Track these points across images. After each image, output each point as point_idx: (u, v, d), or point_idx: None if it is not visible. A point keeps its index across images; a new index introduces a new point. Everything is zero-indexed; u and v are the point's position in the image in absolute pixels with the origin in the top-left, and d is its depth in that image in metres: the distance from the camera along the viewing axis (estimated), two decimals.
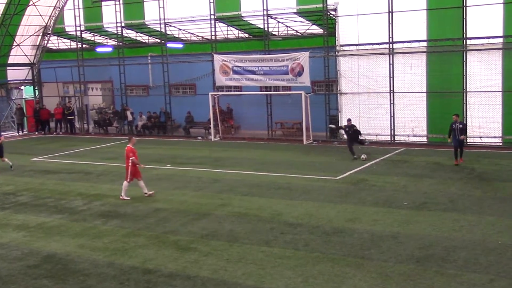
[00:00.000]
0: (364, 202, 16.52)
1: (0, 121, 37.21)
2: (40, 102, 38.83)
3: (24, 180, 21.95)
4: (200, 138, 31.68)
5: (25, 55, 37.72)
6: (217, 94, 31.60)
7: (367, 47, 27.31)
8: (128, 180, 18.05)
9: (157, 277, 11.45)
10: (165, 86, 33.99)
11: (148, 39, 36.01)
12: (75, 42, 36.94)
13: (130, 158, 17.95)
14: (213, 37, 31.92)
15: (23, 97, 39.22)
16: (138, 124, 34.91)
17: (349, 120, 24.43)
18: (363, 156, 22.96)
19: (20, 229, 15.23)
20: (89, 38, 37.29)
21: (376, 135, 27.28)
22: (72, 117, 36.91)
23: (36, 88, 39.16)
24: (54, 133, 37.06)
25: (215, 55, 31.09)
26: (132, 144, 18.34)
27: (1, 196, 19.24)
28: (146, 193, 18.20)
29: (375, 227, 14.09)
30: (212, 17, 31.58)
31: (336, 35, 27.97)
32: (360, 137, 23.98)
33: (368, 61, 27.27)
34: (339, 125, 25.82)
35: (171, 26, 33.05)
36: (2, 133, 27.97)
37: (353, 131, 23.53)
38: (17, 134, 37.18)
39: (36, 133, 37.32)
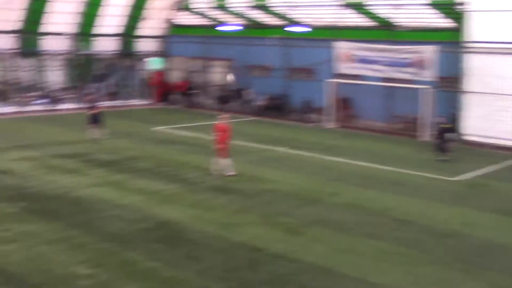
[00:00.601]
0: (482, 208, 15.77)
1: (125, 89, 39.13)
2: (165, 75, 40.39)
3: (146, 147, 23.03)
4: (316, 124, 31.64)
5: (154, 28, 39.35)
6: (336, 82, 31.34)
7: (498, 45, 25.88)
8: (225, 156, 18.44)
9: (263, 255, 11.66)
10: (285, 69, 34.19)
11: (272, 21, 36.27)
12: (202, 19, 37.99)
13: (215, 134, 18.48)
14: (337, 23, 31.60)
15: (149, 68, 40.91)
16: (257, 104, 35.41)
17: (440, 117, 23.39)
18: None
19: (139, 194, 16.04)
20: (215, 16, 38.15)
21: (503, 139, 25.82)
22: (194, 91, 38.09)
23: (162, 60, 40.76)
24: (176, 105, 38.40)
25: (337, 42, 30.80)
26: (222, 121, 18.67)
27: (124, 161, 20.34)
28: (214, 170, 18.52)
29: (491, 235, 13.44)
30: (338, 3, 31.24)
31: (466, 31, 26.74)
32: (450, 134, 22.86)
33: (499, 60, 25.84)
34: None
35: (295, 9, 33.07)
36: (103, 103, 28.78)
37: (441, 130, 22.39)
38: (142, 103, 38.92)
39: (159, 104, 38.86)
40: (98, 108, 24.27)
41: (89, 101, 24.95)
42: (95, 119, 23.83)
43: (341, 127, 30.56)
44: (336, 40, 30.99)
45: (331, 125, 30.88)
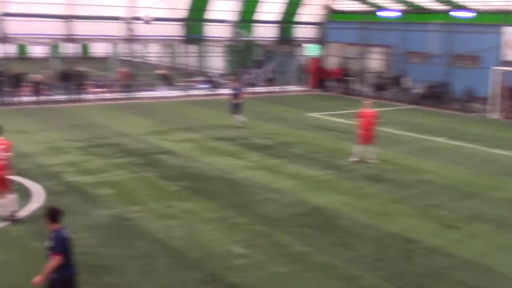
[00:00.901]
0: None
1: (283, 75, 39.82)
2: (322, 61, 40.49)
3: (300, 133, 23.32)
4: (479, 114, 30.03)
5: (312, 14, 39.54)
6: (503, 70, 29.44)
7: None
8: (363, 142, 18.21)
9: (417, 248, 11.35)
10: (447, 56, 32.78)
11: (435, 6, 34.86)
12: (361, 5, 37.47)
13: (358, 120, 18.45)
14: (506, 8, 29.59)
15: (307, 54, 41.25)
16: (415, 92, 34.32)
17: None
18: None
19: (292, 178, 16.30)
20: (374, 1, 37.46)
21: None
22: (351, 78, 37.82)
23: (320, 46, 40.92)
24: (332, 92, 38.37)
25: (505, 28, 28.88)
26: (365, 108, 18.39)
27: (279, 146, 20.76)
28: (369, 159, 18.23)
29: None
30: None
31: None
32: None
33: None
34: None
35: None
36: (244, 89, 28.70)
37: None
38: (298, 89, 39.42)
39: (315, 90, 39.07)
40: (241, 95, 24.58)
41: (233, 89, 25.50)
42: (236, 107, 24.27)
43: (507, 118, 28.72)
44: (504, 25, 29.06)
45: (495, 115, 29.14)
